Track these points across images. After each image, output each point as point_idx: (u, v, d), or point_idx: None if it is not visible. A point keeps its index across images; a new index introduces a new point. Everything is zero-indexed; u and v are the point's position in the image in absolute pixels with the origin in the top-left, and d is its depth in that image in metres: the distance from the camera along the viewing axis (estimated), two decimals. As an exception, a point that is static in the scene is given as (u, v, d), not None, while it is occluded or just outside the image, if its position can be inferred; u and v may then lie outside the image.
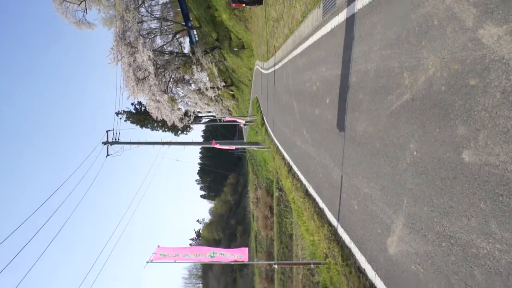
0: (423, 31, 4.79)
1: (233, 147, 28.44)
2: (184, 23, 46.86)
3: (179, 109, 43.37)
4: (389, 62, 5.82)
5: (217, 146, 26.60)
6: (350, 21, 7.90)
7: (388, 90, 5.82)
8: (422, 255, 4.75)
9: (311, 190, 12.05)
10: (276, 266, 11.76)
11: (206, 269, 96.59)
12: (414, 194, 4.93)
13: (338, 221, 8.83)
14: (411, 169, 5.00)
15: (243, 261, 11.35)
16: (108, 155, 26.92)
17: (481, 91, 3.65)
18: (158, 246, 11.54)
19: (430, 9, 4.64)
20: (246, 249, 11.60)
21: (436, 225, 4.40)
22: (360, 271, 7.33)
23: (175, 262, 11.38)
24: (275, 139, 22.38)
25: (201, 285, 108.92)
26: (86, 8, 39.29)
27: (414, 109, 4.95)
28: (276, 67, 21.40)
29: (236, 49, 42.48)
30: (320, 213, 10.59)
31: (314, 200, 11.56)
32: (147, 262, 11.13)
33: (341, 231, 8.64)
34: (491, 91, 3.52)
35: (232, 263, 11.81)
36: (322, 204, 10.59)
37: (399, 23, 5.54)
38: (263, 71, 29.46)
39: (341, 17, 8.60)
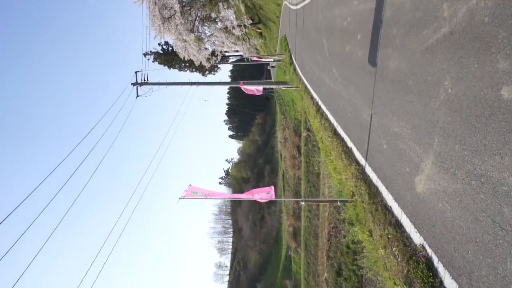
0: (468, -44, 4.39)
1: (260, 89, 27.70)
2: (208, -44, 44.66)
3: (206, 48, 42.71)
4: (428, -7, 5.43)
5: (244, 87, 26.27)
6: None
7: (425, 24, 5.50)
8: (450, 193, 4.74)
9: (339, 130, 11.98)
10: (303, 203, 12.06)
11: (235, 206, 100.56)
12: (446, 133, 4.82)
13: (366, 160, 8.83)
14: (445, 107, 4.85)
15: (271, 198, 11.72)
16: (138, 96, 27.28)
17: (528, 21, 3.39)
18: (190, 185, 12.03)
19: None
20: (272, 187, 11.95)
21: (467, 164, 4.34)
22: (387, 209, 7.44)
23: (205, 198, 11.91)
24: (303, 78, 21.96)
25: (230, 221, 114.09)
26: None
27: (452, 43, 4.68)
28: (306, 2, 20.44)
29: (264, -17, 40.52)
30: (348, 152, 10.60)
31: (342, 139, 11.53)
32: (180, 198, 11.68)
33: (368, 170, 8.68)
34: (539, 21, 3.26)
35: (260, 200, 12.25)
36: (350, 144, 10.56)
37: None
38: (291, 6, 28.24)
39: None
